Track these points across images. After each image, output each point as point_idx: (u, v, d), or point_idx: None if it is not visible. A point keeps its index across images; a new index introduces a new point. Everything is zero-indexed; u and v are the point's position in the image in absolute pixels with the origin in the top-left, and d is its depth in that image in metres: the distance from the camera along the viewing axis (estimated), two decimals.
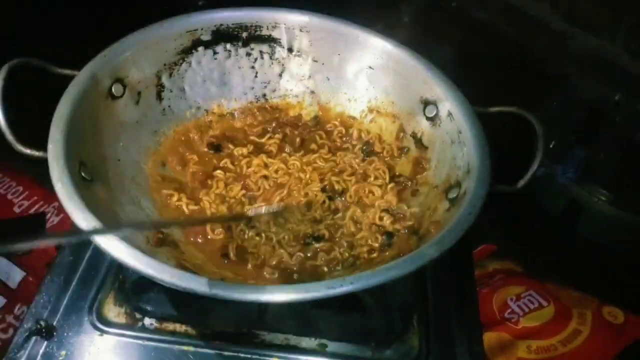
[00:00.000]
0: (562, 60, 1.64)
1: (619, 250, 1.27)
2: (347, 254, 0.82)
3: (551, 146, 1.30)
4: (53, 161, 0.68)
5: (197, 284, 0.59)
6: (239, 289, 0.59)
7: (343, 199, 0.90)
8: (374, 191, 0.90)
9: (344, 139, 1.00)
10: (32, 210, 1.26)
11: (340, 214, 0.88)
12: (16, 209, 1.26)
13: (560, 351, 0.99)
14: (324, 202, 0.89)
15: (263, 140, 0.99)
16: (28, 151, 0.72)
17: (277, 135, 0.99)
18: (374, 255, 0.82)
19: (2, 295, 1.12)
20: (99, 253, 0.88)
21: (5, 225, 1.23)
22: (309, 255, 0.82)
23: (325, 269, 0.81)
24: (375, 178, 0.92)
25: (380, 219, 0.86)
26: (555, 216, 1.32)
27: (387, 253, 0.82)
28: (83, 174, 0.72)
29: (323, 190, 0.90)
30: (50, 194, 1.24)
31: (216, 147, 0.96)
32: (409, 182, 0.91)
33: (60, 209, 1.23)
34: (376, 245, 0.84)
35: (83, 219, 0.63)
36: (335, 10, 1.00)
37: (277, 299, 0.59)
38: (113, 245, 0.61)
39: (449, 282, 0.92)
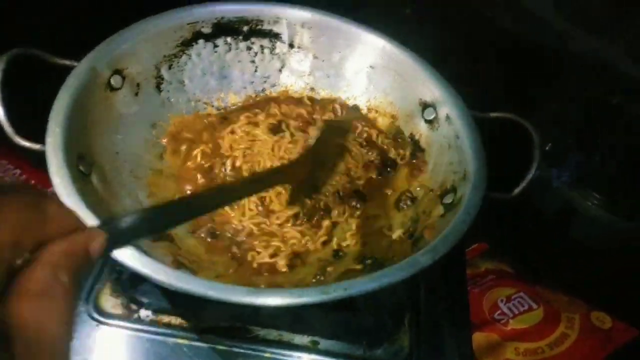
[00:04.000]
0: (563, 60, 1.64)
1: (611, 255, 1.28)
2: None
3: (547, 149, 1.30)
4: (51, 155, 0.68)
5: (193, 286, 0.59)
6: (234, 292, 0.60)
7: None
8: None
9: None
10: None
11: None
12: None
13: (548, 354, 1.01)
14: None
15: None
16: (27, 144, 0.72)
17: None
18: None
19: None
20: None
21: None
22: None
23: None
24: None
25: None
26: (549, 218, 1.33)
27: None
28: (81, 168, 0.72)
29: None
30: (49, 179, 1.24)
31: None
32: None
33: None
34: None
35: (80, 213, 0.63)
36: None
37: (271, 303, 0.60)
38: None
39: (440, 284, 0.93)
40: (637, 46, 1.43)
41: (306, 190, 0.87)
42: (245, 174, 0.89)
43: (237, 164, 0.90)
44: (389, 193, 0.91)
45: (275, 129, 0.96)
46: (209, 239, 0.83)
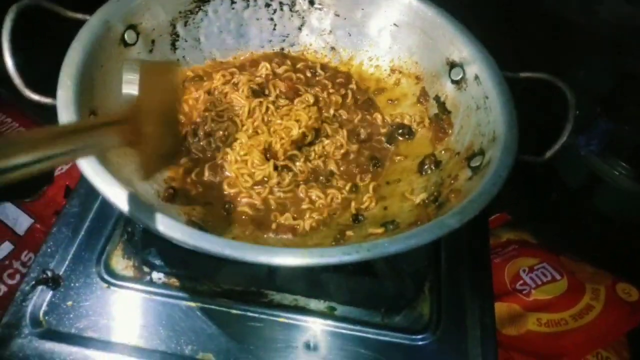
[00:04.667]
0: (592, 26, 1.58)
1: (637, 226, 1.24)
2: None
3: (575, 116, 1.25)
4: (62, 108, 0.65)
5: (209, 243, 0.57)
6: (251, 250, 0.57)
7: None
8: None
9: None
10: None
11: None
12: None
13: (571, 325, 0.98)
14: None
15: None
16: (36, 97, 0.70)
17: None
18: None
19: (9, 241, 1.11)
20: (108, 204, 0.87)
21: None
22: None
23: None
24: None
25: None
26: (574, 188, 1.29)
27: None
28: None
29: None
30: None
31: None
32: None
33: None
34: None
35: (92, 170, 0.61)
36: None
37: (290, 263, 0.57)
38: (122, 199, 0.59)
39: (463, 251, 0.90)
40: None
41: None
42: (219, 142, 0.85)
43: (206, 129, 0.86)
44: (403, 159, 0.88)
45: (257, 93, 0.91)
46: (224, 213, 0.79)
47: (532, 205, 1.33)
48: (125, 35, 0.80)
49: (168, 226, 0.58)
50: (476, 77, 0.82)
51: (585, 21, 1.61)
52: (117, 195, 0.59)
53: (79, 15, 0.77)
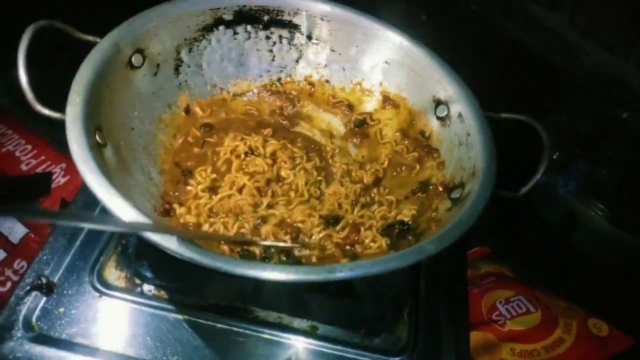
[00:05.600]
0: (575, 73, 1.65)
1: (611, 265, 1.29)
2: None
3: (555, 157, 1.31)
4: (71, 123, 0.69)
5: (200, 256, 0.60)
6: (241, 265, 0.61)
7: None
8: None
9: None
10: (39, 170, 1.27)
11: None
12: (23, 167, 1.28)
13: (543, 357, 1.01)
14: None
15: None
16: (47, 112, 0.73)
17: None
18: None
19: (2, 249, 1.13)
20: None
21: (10, 182, 1.24)
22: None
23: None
24: None
25: None
26: (552, 226, 1.33)
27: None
28: (98, 139, 0.73)
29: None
30: (58, 155, 1.25)
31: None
32: None
33: (67, 171, 1.24)
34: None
35: (95, 181, 0.64)
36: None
37: (277, 278, 0.60)
38: (121, 210, 0.63)
39: (441, 280, 0.94)
40: None
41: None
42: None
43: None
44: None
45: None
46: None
47: (511, 240, 1.37)
48: (133, 59, 0.85)
49: (163, 237, 0.61)
50: (460, 115, 0.87)
51: (570, 68, 1.69)
52: (118, 206, 0.63)
53: (90, 38, 0.82)
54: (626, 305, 1.18)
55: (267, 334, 0.83)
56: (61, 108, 0.71)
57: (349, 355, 0.83)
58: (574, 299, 1.14)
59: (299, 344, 0.83)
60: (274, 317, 0.85)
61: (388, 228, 0.84)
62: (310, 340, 0.83)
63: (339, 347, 0.83)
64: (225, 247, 0.78)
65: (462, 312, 0.92)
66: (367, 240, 0.83)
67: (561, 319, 1.06)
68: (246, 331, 0.83)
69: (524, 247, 1.35)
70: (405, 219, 0.85)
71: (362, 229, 0.84)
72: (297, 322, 0.85)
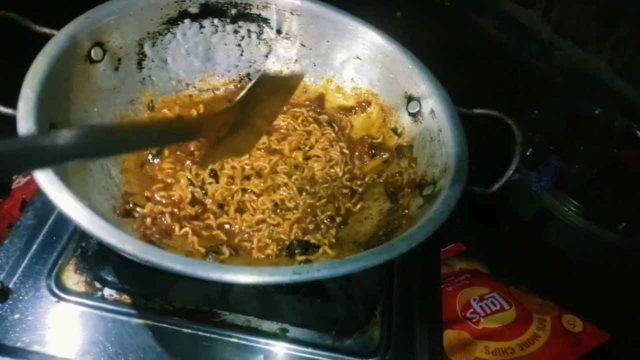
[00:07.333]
0: (548, 69, 1.67)
1: (584, 261, 1.29)
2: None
3: (528, 153, 1.31)
4: (22, 120, 0.65)
5: (160, 258, 0.57)
6: (203, 267, 0.58)
7: None
8: None
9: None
10: None
11: None
12: None
13: (518, 354, 1.00)
14: None
15: None
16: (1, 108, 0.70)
17: None
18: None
19: None
20: (63, 218, 0.86)
21: None
22: None
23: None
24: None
25: None
26: (525, 222, 1.34)
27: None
28: None
29: None
30: None
31: None
32: None
33: None
34: None
35: (49, 183, 0.61)
36: None
37: (241, 280, 0.58)
38: (77, 212, 0.59)
39: (414, 278, 0.92)
40: (620, 60, 1.46)
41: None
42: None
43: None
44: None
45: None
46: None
47: (485, 237, 1.37)
48: (92, 52, 0.81)
49: (120, 240, 0.58)
50: (432, 111, 0.85)
51: (543, 65, 1.70)
52: (71, 207, 0.59)
53: (47, 30, 0.78)
54: (600, 300, 1.18)
55: (235, 338, 0.80)
56: (14, 104, 0.67)
57: (320, 358, 0.80)
58: (548, 294, 1.13)
59: (269, 347, 0.80)
60: (242, 320, 0.82)
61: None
62: (280, 343, 0.80)
63: (310, 350, 0.80)
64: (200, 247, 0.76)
65: (436, 310, 0.90)
66: None
67: (535, 315, 1.05)
68: (213, 335, 0.80)
69: (498, 243, 1.35)
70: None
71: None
72: (267, 325, 0.82)
